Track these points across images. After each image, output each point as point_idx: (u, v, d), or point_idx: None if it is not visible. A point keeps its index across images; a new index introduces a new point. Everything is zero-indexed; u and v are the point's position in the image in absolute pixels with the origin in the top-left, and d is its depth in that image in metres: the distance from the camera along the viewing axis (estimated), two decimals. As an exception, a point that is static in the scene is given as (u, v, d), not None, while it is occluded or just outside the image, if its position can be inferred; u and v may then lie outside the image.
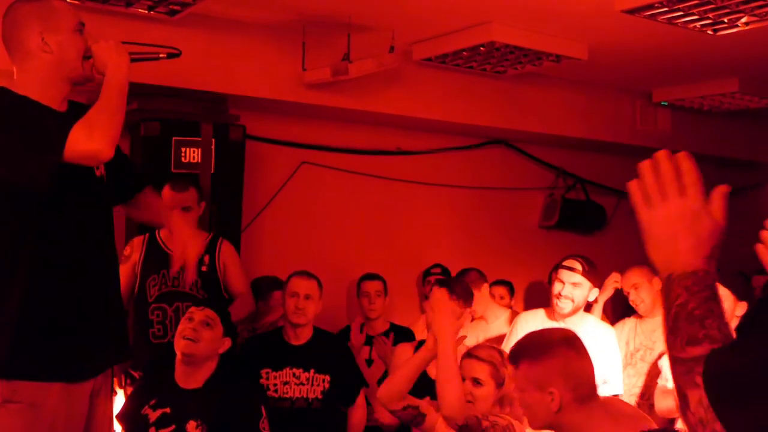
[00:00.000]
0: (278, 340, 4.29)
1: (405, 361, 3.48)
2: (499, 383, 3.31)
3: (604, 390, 3.97)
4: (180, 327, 3.58)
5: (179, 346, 3.52)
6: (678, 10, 4.36)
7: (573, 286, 4.12)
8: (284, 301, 4.27)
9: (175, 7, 4.47)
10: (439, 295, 3.30)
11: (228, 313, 3.83)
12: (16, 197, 2.52)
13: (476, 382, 3.30)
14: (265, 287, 4.93)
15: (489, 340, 4.53)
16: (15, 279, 2.51)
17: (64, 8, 2.68)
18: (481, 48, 5.12)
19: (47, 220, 2.56)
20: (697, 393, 1.30)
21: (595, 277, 4.22)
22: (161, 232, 4.41)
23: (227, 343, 3.63)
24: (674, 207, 1.42)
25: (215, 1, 4.23)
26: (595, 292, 4.23)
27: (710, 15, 4.42)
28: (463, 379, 3.28)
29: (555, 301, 4.15)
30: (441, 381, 3.10)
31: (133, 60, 2.69)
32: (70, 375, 2.58)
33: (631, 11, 4.43)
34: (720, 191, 1.43)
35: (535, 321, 4.32)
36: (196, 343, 3.50)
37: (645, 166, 1.46)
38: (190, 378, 3.54)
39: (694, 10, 4.36)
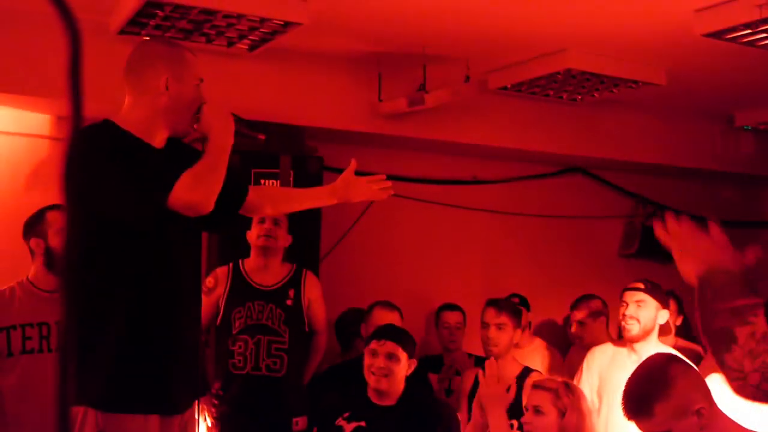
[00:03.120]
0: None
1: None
2: (561, 411, 3.27)
3: None
4: (367, 361, 3.67)
5: (370, 380, 3.63)
6: (762, 32, 4.26)
7: (636, 306, 3.98)
8: (366, 339, 3.96)
9: (254, 42, 4.55)
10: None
11: (410, 336, 3.83)
12: (115, 234, 2.58)
13: (537, 410, 3.28)
14: (349, 331, 4.93)
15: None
16: (112, 317, 2.57)
17: (192, 62, 2.76)
18: (558, 75, 5.09)
19: (144, 258, 2.61)
20: (749, 328, 1.31)
21: (660, 296, 4.06)
22: (246, 262, 4.45)
23: (413, 365, 3.72)
24: None
25: (291, 34, 4.30)
26: (665, 313, 4.05)
27: (793, 36, 4.31)
28: (526, 409, 3.29)
29: (622, 324, 4.03)
30: None
31: (236, 131, 2.75)
32: (163, 410, 2.63)
33: (712, 35, 4.35)
34: None
35: (604, 353, 4.20)
36: (387, 378, 3.62)
37: None
38: (383, 396, 3.65)
39: (777, 32, 4.26)
